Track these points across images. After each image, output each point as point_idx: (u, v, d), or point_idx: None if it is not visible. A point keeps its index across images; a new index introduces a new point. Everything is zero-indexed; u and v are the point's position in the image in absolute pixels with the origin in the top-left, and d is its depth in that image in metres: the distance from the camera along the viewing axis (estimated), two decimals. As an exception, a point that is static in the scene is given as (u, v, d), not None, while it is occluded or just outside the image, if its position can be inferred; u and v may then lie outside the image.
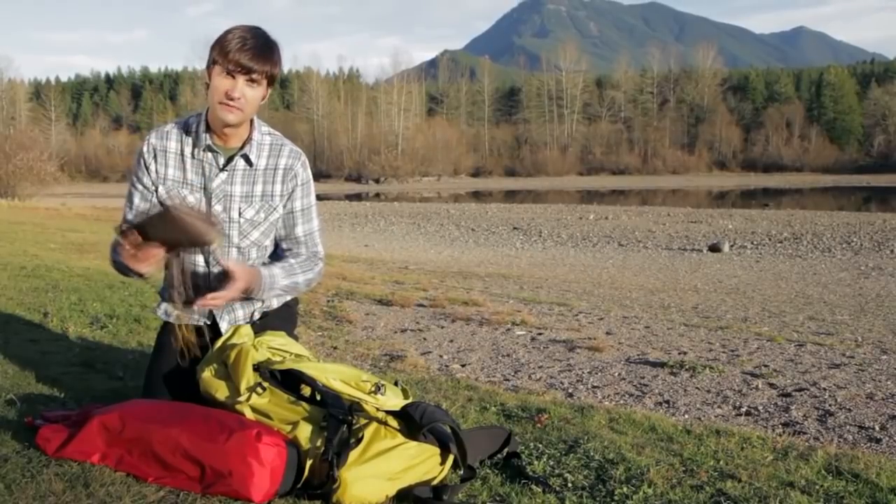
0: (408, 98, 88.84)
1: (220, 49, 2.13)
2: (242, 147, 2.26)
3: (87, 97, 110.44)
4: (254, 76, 2.14)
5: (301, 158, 2.35)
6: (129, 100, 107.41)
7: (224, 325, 2.31)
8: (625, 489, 1.97)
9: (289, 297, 2.48)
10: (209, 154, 2.26)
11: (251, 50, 2.12)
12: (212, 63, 2.16)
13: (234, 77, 2.13)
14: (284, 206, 2.32)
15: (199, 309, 2.28)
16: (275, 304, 2.44)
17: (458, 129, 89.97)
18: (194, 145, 2.27)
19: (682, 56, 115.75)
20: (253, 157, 2.27)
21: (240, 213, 2.28)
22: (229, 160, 2.26)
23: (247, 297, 2.21)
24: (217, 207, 2.27)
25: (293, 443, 1.85)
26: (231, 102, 2.14)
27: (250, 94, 2.16)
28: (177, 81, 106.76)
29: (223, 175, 2.26)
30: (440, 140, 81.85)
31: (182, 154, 2.28)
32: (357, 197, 51.47)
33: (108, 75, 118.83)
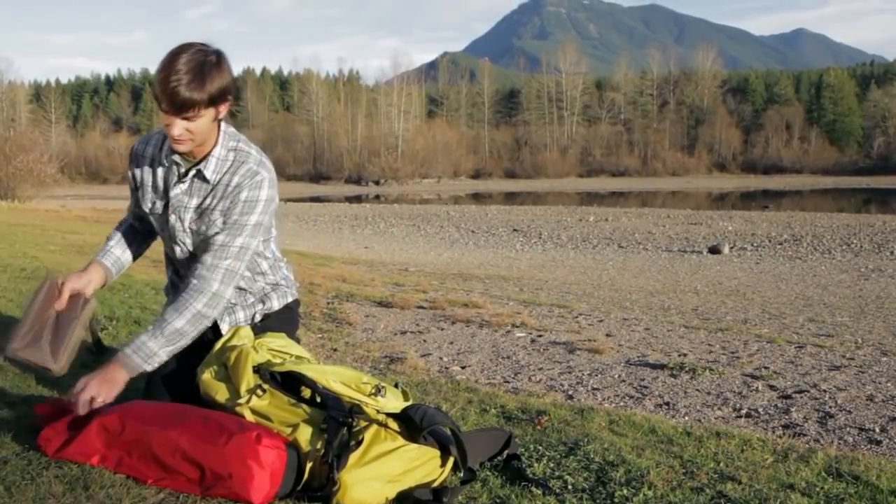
0: (408, 100, 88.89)
1: (154, 89, 2.11)
2: (199, 162, 2.25)
3: (87, 99, 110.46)
4: (188, 114, 2.09)
5: (255, 178, 2.25)
6: (130, 102, 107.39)
7: (224, 328, 2.32)
8: (625, 491, 1.97)
9: (290, 298, 2.50)
10: (173, 165, 2.28)
11: (181, 88, 2.05)
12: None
13: (172, 116, 2.11)
14: (222, 220, 2.27)
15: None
16: (276, 305, 2.44)
17: (458, 131, 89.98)
18: (164, 154, 2.29)
19: (681, 58, 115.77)
20: (209, 174, 2.24)
21: (188, 224, 2.29)
22: (188, 172, 2.27)
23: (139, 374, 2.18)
24: (172, 217, 2.30)
25: (293, 445, 1.85)
26: (176, 141, 2.14)
27: (194, 126, 2.12)
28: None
29: (182, 186, 2.27)
30: (440, 142, 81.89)
31: (154, 160, 2.32)
32: (357, 199, 51.51)
33: (108, 77, 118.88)
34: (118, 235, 2.47)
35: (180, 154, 2.21)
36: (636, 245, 18.06)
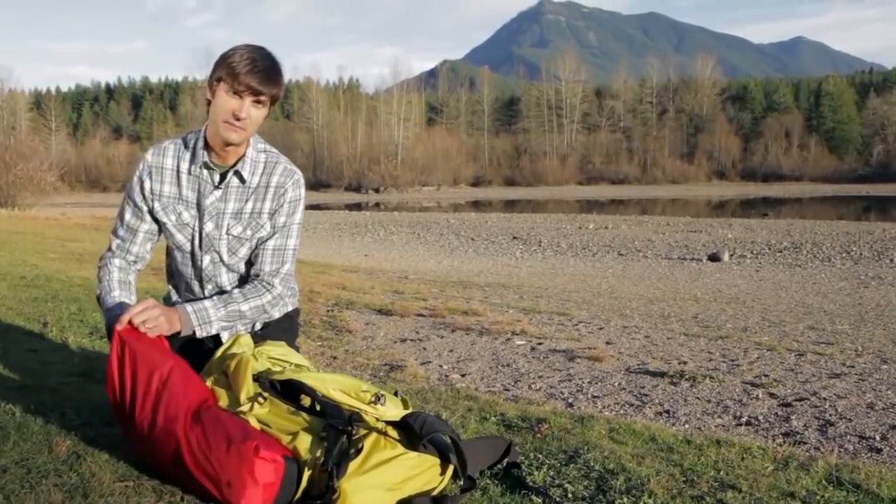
0: (407, 108, 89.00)
1: (228, 69, 2.13)
2: (236, 164, 2.27)
3: (87, 107, 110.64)
4: (262, 98, 2.16)
5: (294, 177, 2.33)
6: (130, 110, 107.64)
7: (225, 335, 2.31)
8: (625, 499, 1.97)
9: (289, 307, 2.49)
10: (205, 171, 2.27)
11: (261, 72, 2.13)
12: (217, 80, 2.16)
13: (241, 97, 2.14)
14: (270, 222, 2.32)
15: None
16: (276, 314, 2.44)
17: (458, 139, 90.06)
18: (191, 162, 2.28)
19: (681, 66, 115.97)
20: (246, 175, 2.27)
21: (227, 230, 2.29)
22: (223, 177, 2.28)
23: (181, 335, 2.16)
24: (209, 225, 2.29)
25: (294, 457, 1.84)
26: (237, 123, 2.15)
27: (255, 114, 2.18)
28: (177, 91, 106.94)
29: (217, 192, 2.28)
30: (440, 150, 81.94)
31: (178, 171, 2.29)
32: (357, 206, 51.51)
33: (108, 85, 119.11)
34: (116, 280, 2.31)
35: (230, 144, 2.21)
36: (636, 253, 18.06)
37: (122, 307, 2.20)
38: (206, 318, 2.19)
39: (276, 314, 2.43)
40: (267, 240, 2.32)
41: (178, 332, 2.15)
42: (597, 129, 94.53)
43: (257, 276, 2.34)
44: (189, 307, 2.18)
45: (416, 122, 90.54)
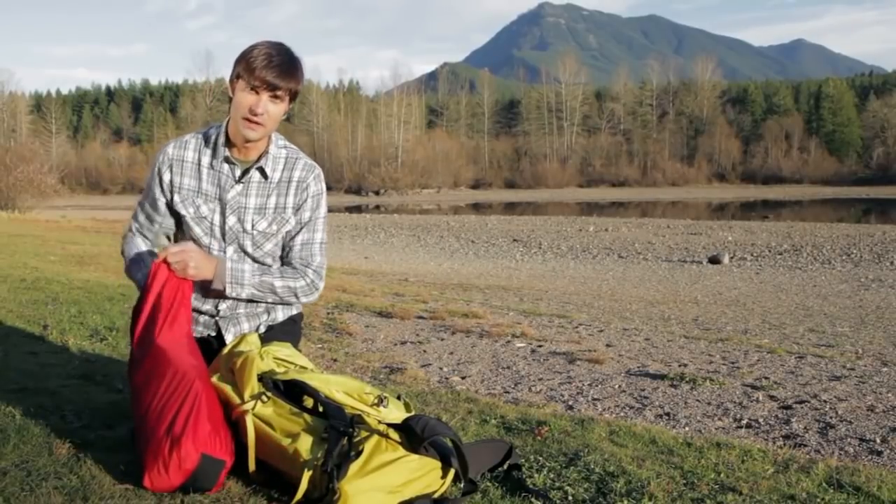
0: (408, 110, 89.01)
1: (245, 65, 2.15)
2: (258, 160, 2.28)
3: (87, 110, 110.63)
4: (278, 93, 2.18)
5: (315, 171, 2.37)
6: (130, 112, 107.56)
7: (229, 338, 2.32)
8: (626, 502, 1.97)
9: (294, 311, 2.48)
10: (226, 166, 2.29)
11: (277, 67, 2.15)
12: (236, 77, 2.19)
13: (258, 93, 2.16)
14: (295, 217, 2.34)
15: (205, 321, 2.33)
16: (280, 317, 2.44)
17: (458, 142, 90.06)
18: (213, 156, 2.29)
19: (681, 68, 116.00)
20: (268, 170, 2.29)
21: (252, 226, 2.30)
22: (245, 172, 2.29)
23: (212, 287, 2.21)
24: (231, 219, 2.30)
25: (219, 458, 1.89)
26: (254, 118, 2.17)
27: (273, 109, 2.19)
28: (177, 94, 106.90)
29: (238, 187, 2.29)
30: (440, 152, 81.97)
31: (199, 164, 2.31)
32: (357, 209, 51.52)
33: (108, 88, 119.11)
34: (145, 250, 2.36)
35: (250, 141, 2.22)
36: (636, 255, 18.06)
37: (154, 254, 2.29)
38: (240, 278, 2.22)
39: (304, 301, 2.43)
40: (295, 235, 2.35)
41: (210, 283, 2.18)
42: (597, 131, 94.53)
43: (290, 264, 2.36)
44: (229, 263, 2.22)
45: (416, 125, 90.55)
